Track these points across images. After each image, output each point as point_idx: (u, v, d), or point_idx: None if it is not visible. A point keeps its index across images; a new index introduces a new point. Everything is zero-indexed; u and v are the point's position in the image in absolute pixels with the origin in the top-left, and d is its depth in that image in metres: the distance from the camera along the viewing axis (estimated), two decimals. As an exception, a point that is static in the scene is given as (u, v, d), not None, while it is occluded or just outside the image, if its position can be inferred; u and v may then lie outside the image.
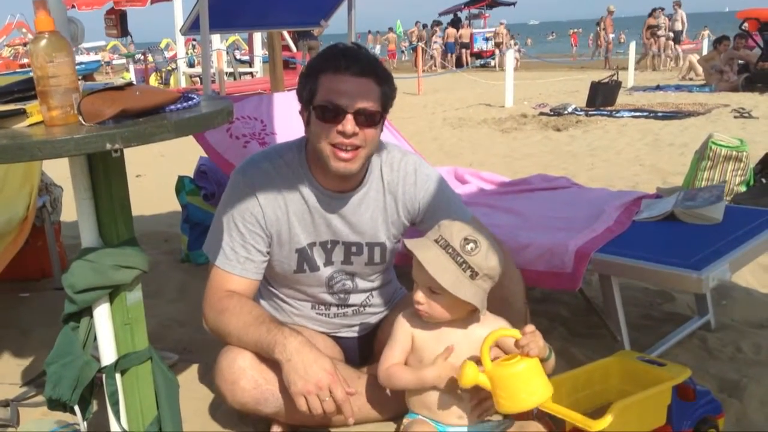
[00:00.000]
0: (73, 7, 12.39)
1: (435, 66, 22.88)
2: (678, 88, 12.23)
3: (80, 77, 1.26)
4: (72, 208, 1.33)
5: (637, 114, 9.10)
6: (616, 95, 10.26)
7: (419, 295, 1.66)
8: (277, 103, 3.37)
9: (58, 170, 2.63)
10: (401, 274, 2.17)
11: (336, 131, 1.72)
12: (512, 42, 22.37)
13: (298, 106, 1.86)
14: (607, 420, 1.54)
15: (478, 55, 23.36)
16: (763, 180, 4.30)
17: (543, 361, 1.59)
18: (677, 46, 18.27)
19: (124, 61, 19.92)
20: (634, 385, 1.75)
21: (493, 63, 22.08)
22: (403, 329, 1.75)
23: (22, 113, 1.22)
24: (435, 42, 23.70)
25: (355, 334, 2.10)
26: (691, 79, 13.69)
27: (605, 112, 9.36)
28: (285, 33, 13.12)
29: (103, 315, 1.33)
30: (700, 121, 8.30)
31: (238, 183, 1.88)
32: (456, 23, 25.86)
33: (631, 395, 1.65)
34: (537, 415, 1.76)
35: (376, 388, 1.88)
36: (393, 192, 1.94)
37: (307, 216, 1.88)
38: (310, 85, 1.77)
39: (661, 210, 2.57)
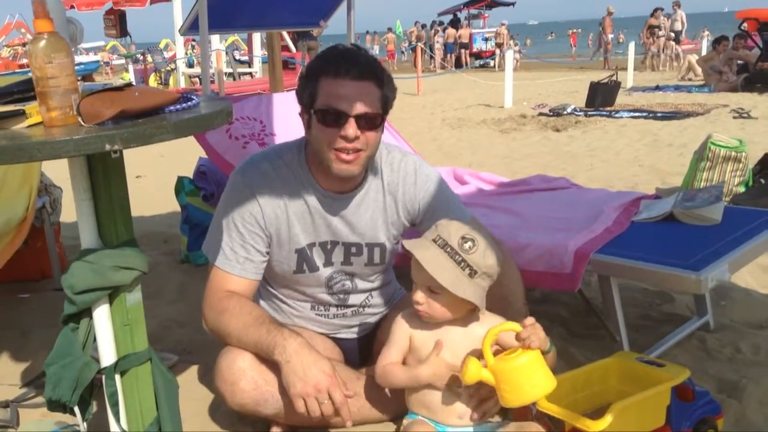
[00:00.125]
0: (72, 7, 12.38)
1: (434, 66, 22.88)
2: (677, 88, 12.24)
3: (79, 78, 1.26)
4: (72, 209, 1.34)
5: (637, 114, 9.10)
6: (615, 96, 10.26)
7: (418, 295, 1.67)
8: (277, 103, 3.37)
9: (58, 171, 2.63)
10: (401, 275, 2.17)
11: (338, 136, 1.72)
12: (511, 42, 22.37)
13: (297, 106, 1.85)
14: (606, 421, 1.54)
15: (478, 56, 23.37)
16: (762, 180, 4.30)
17: (544, 353, 1.60)
18: (677, 47, 18.27)
19: (123, 61, 19.92)
20: (633, 385, 1.75)
21: (492, 63, 22.09)
22: (401, 329, 1.75)
23: (21, 114, 1.22)
24: (437, 42, 23.69)
25: (355, 335, 2.10)
26: (690, 80, 13.69)
27: (604, 113, 9.37)
28: (284, 33, 13.12)
29: (102, 316, 1.33)
30: (699, 121, 8.30)
31: (237, 183, 1.88)
32: (455, 23, 25.88)
33: (630, 396, 1.65)
34: (536, 415, 1.76)
35: (375, 388, 1.88)
36: (393, 192, 1.94)
37: (306, 216, 1.88)
38: (311, 89, 1.77)
39: (660, 211, 2.57)
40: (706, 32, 21.11)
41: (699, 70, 13.22)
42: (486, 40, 24.62)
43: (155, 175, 6.08)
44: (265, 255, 1.89)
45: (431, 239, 1.66)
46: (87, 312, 1.33)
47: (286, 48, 13.62)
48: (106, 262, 1.28)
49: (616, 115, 9.09)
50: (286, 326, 1.84)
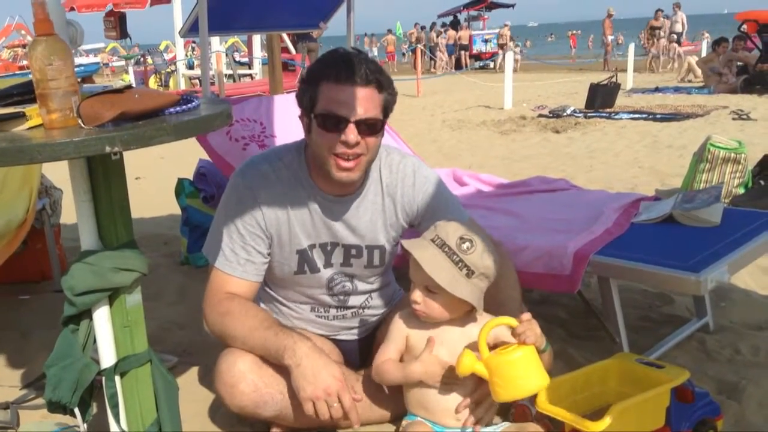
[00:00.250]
0: (73, 9, 12.41)
1: (434, 68, 22.88)
2: (677, 90, 12.24)
3: (79, 79, 1.26)
4: (72, 211, 1.34)
5: (636, 116, 9.10)
6: (614, 97, 10.26)
7: (416, 295, 1.68)
8: (277, 105, 3.37)
9: (58, 173, 2.63)
10: (400, 276, 2.17)
11: (338, 141, 1.72)
12: (511, 44, 22.38)
13: (297, 108, 1.85)
14: (605, 422, 1.54)
15: (477, 57, 23.37)
16: (761, 182, 4.31)
17: (540, 351, 1.62)
18: (679, 48, 18.27)
19: (123, 63, 19.92)
20: (632, 387, 1.75)
21: (492, 65, 22.10)
22: (398, 328, 1.77)
23: (21, 116, 1.22)
24: (439, 44, 23.65)
25: (355, 337, 2.11)
26: (689, 81, 13.70)
27: (604, 114, 9.37)
28: (284, 35, 13.13)
29: (102, 317, 1.33)
30: (698, 123, 8.30)
31: (237, 185, 1.88)
32: (455, 25, 25.90)
33: (629, 397, 1.65)
34: (536, 416, 1.76)
35: (374, 390, 1.89)
36: (392, 194, 1.94)
37: (306, 218, 1.88)
38: (311, 93, 1.77)
39: (660, 212, 2.57)
40: (706, 34, 21.07)
41: (699, 71, 13.22)
42: (486, 41, 24.64)
43: (155, 177, 6.09)
44: (266, 256, 1.89)
45: (429, 239, 1.67)
46: (87, 313, 1.33)
47: (285, 50, 13.61)
48: (106, 263, 1.28)
49: (616, 117, 9.09)
50: (294, 329, 1.85)
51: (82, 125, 1.17)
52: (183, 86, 13.23)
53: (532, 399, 1.71)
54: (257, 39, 13.71)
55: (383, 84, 1.77)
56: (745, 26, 12.00)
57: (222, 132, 3.05)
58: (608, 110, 9.73)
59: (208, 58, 3.96)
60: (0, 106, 1.27)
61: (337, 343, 2.08)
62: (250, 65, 15.48)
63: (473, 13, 27.82)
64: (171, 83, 13.90)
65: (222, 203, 1.91)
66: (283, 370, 1.80)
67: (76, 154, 1.10)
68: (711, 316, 2.56)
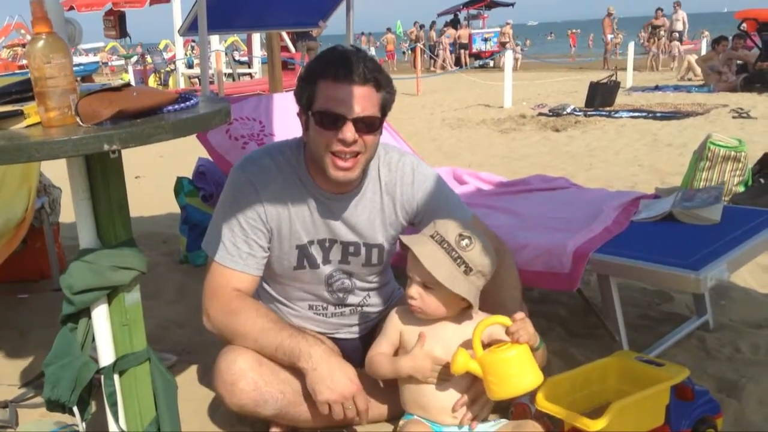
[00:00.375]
0: (72, 8, 12.40)
1: (435, 67, 22.86)
2: (676, 88, 12.25)
3: (78, 78, 1.26)
4: (71, 209, 1.34)
5: (636, 114, 9.10)
6: (614, 96, 10.26)
7: (413, 290, 1.69)
8: (276, 104, 3.37)
9: (57, 171, 2.63)
10: (399, 275, 2.17)
11: (335, 139, 1.72)
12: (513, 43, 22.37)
13: (296, 107, 1.85)
14: (605, 420, 1.54)
15: (477, 56, 23.36)
16: (762, 180, 4.31)
17: (534, 350, 1.62)
18: (680, 46, 18.25)
19: (123, 62, 19.91)
20: (632, 385, 1.75)
21: (492, 63, 22.08)
22: (392, 324, 1.79)
23: (19, 114, 1.22)
24: (441, 42, 23.62)
25: (356, 335, 2.11)
26: (689, 80, 13.70)
27: (604, 113, 9.37)
28: (284, 34, 13.13)
29: (101, 316, 1.33)
30: (698, 121, 8.30)
31: (238, 178, 1.87)
32: (455, 24, 25.89)
33: (629, 395, 1.65)
34: (535, 415, 1.76)
35: (374, 389, 1.89)
36: (391, 193, 1.94)
37: (306, 214, 1.88)
38: (309, 91, 1.77)
39: (660, 210, 2.57)
40: (706, 32, 21.07)
41: (698, 70, 13.23)
42: (485, 40, 24.60)
43: (154, 176, 6.08)
44: (266, 250, 1.89)
45: (429, 235, 1.68)
46: (85, 312, 1.33)
47: (285, 48, 13.62)
48: (105, 262, 1.28)
49: (616, 115, 9.09)
50: (306, 331, 1.87)
51: (81, 123, 1.17)
52: (182, 85, 13.24)
53: (532, 397, 1.72)
54: (257, 38, 13.72)
55: (381, 82, 1.76)
56: (744, 25, 12.00)
57: (221, 130, 3.05)
58: (608, 109, 9.73)
59: (208, 57, 3.96)
60: (-2, 104, 1.27)
61: (338, 341, 2.07)
62: (249, 64, 15.47)
63: (473, 11, 27.79)
64: (170, 82, 13.90)
65: (222, 197, 1.90)
66: (283, 368, 1.80)
67: (75, 153, 1.10)
68: (711, 314, 2.56)
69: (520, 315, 1.63)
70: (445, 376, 1.69)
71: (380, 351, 1.78)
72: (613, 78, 10.37)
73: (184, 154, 5.45)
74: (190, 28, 3.52)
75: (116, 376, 1.37)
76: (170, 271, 3.45)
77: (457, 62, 22.82)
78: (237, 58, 16.66)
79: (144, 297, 1.40)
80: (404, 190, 1.94)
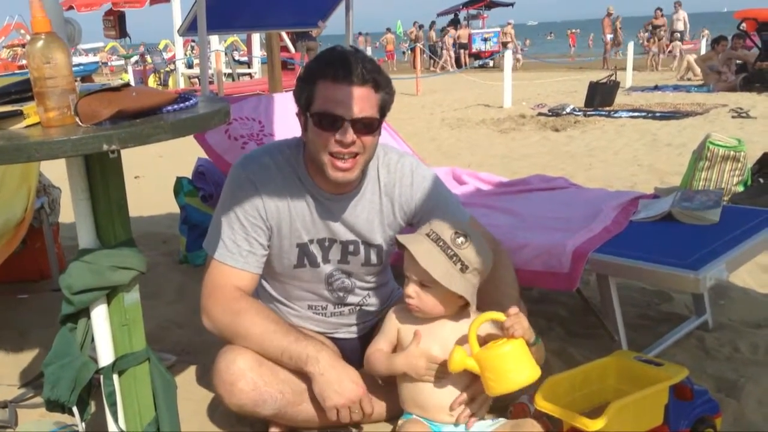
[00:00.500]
0: (72, 8, 12.39)
1: (434, 67, 22.84)
2: (676, 88, 12.25)
3: (77, 79, 1.26)
4: (70, 210, 1.34)
5: (635, 114, 9.10)
6: (614, 95, 10.26)
7: (410, 289, 1.69)
8: (276, 104, 3.37)
9: (57, 171, 2.63)
10: (398, 275, 2.17)
11: (334, 140, 1.72)
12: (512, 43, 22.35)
13: (295, 107, 1.85)
14: (604, 420, 1.55)
15: (477, 56, 23.35)
16: (761, 180, 4.31)
17: (530, 345, 1.62)
18: (681, 45, 18.24)
19: (122, 62, 19.90)
20: (631, 384, 1.75)
21: (492, 63, 22.06)
22: (390, 322, 1.80)
23: (19, 114, 1.22)
24: (444, 43, 23.59)
25: (355, 335, 2.11)
26: (689, 80, 13.70)
27: (603, 113, 9.37)
28: (283, 34, 13.12)
29: (100, 316, 1.33)
30: (698, 121, 8.31)
31: (238, 177, 1.87)
32: (455, 24, 25.88)
33: (628, 395, 1.65)
34: (534, 414, 1.76)
35: (373, 389, 1.89)
36: (389, 194, 1.94)
37: (306, 213, 1.88)
38: (308, 92, 1.77)
39: (659, 210, 2.57)
40: (705, 32, 21.07)
41: (698, 69, 13.23)
42: (485, 40, 24.58)
43: (154, 176, 6.09)
44: (266, 248, 1.89)
45: (425, 234, 1.69)
46: (85, 312, 1.33)
47: (285, 48, 13.61)
48: (104, 262, 1.28)
49: (615, 115, 9.10)
50: (312, 335, 1.89)
51: (80, 123, 1.17)
52: (182, 85, 13.24)
53: (531, 397, 1.72)
54: (256, 38, 13.72)
55: (380, 83, 1.76)
56: (744, 24, 12.00)
57: (221, 130, 3.05)
58: (607, 109, 9.73)
59: (207, 57, 3.96)
60: (-2, 104, 1.27)
61: (336, 341, 2.07)
62: (249, 64, 15.47)
63: (473, 11, 27.79)
64: (170, 82, 13.89)
65: (223, 196, 1.90)
66: (282, 368, 1.80)
67: (74, 153, 1.10)
68: (710, 313, 2.56)
69: (514, 310, 1.64)
70: (442, 375, 1.70)
71: (377, 348, 1.79)
72: (613, 78, 10.37)
73: (183, 154, 5.45)
74: (190, 28, 3.52)
75: (116, 376, 1.37)
76: (170, 271, 3.45)
77: (457, 62, 22.81)
78: (237, 58, 16.66)
79: (143, 297, 1.40)
80: (403, 191, 1.94)
